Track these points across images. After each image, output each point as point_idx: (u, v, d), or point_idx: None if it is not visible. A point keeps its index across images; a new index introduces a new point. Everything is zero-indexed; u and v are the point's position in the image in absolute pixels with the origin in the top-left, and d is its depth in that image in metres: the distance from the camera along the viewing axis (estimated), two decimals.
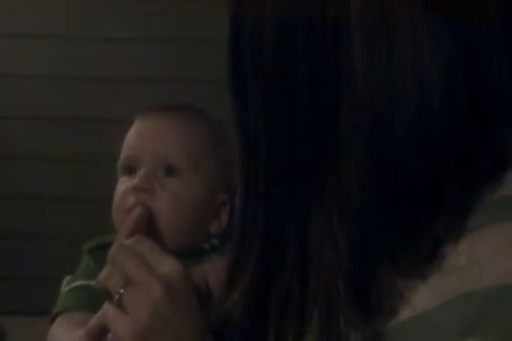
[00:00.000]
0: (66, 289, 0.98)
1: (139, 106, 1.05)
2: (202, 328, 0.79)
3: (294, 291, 0.60)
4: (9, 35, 2.67)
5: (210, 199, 1.00)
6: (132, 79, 2.69)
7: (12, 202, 2.67)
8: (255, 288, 0.62)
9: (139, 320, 0.76)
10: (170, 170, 0.98)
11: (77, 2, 2.67)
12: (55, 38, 2.68)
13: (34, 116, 2.67)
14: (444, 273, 0.56)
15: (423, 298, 0.56)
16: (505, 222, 0.55)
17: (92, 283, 0.97)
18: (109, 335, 0.80)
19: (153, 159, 0.98)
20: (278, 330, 0.61)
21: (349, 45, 0.55)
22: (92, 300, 0.95)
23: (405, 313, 0.56)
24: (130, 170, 0.99)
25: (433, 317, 0.55)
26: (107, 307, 0.79)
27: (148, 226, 0.93)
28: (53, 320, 0.98)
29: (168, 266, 0.80)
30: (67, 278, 1.00)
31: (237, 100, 0.61)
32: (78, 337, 0.88)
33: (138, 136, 1.01)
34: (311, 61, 0.57)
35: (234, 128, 0.63)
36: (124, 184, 0.99)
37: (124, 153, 1.01)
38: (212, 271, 0.86)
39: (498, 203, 0.57)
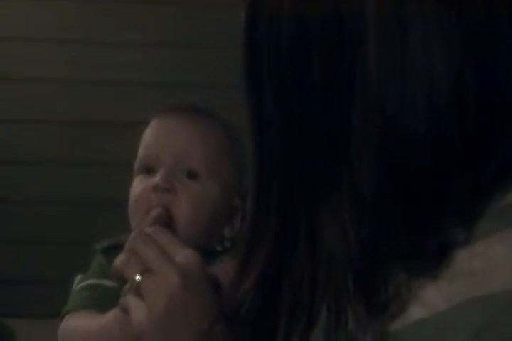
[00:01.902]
0: (78, 287, 0.99)
1: (147, 111, 1.06)
2: (215, 316, 0.80)
3: (305, 283, 0.60)
4: (19, 38, 2.68)
5: (225, 204, 1.01)
6: (140, 84, 2.69)
7: (21, 208, 2.69)
8: (267, 277, 0.63)
9: (155, 307, 0.78)
10: (190, 173, 0.98)
11: (86, 7, 2.68)
12: (64, 42, 2.68)
13: (43, 120, 2.68)
14: (455, 277, 0.56)
15: (433, 299, 0.56)
16: None
17: (104, 282, 0.98)
18: None
19: (174, 160, 0.98)
20: (288, 320, 0.62)
21: (363, 46, 0.56)
22: (103, 299, 0.95)
23: (414, 312, 0.57)
24: (148, 169, 0.99)
25: (443, 320, 0.55)
26: (127, 293, 0.81)
27: (166, 226, 0.93)
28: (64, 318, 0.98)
29: (184, 255, 0.82)
30: (79, 276, 1.01)
31: (252, 96, 0.62)
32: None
33: (158, 136, 1.01)
34: (326, 60, 0.57)
35: (245, 126, 0.63)
36: (141, 183, 0.99)
37: (142, 152, 1.01)
38: (223, 270, 0.87)
39: (507, 209, 0.57)
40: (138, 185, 0.99)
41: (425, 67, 0.55)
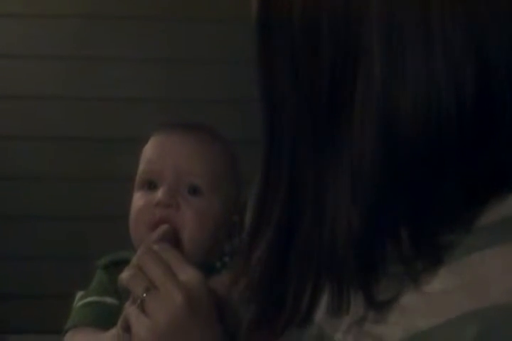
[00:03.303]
0: (79, 304, 0.99)
1: (145, 127, 1.06)
2: (219, 335, 0.81)
3: (312, 251, 0.62)
4: (18, 56, 2.69)
5: (226, 220, 1.02)
6: (137, 100, 2.71)
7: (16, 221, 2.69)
8: (277, 245, 0.64)
9: (158, 325, 0.79)
10: (193, 189, 0.99)
11: (84, 23, 2.70)
12: (62, 59, 2.70)
13: (42, 137, 2.69)
14: (449, 291, 0.57)
15: (431, 310, 0.57)
16: (508, 243, 0.57)
17: (105, 299, 0.98)
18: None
19: (177, 176, 0.98)
20: (297, 288, 0.64)
21: (368, 38, 0.58)
22: (104, 316, 0.96)
23: (414, 323, 0.58)
24: (150, 184, 1.00)
25: (438, 334, 0.56)
26: (130, 308, 0.82)
27: (173, 243, 0.93)
28: (65, 335, 0.99)
29: (190, 274, 0.83)
30: (80, 293, 1.01)
31: (264, 75, 0.65)
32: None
33: (160, 152, 1.01)
34: (334, 50, 0.60)
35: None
36: (143, 197, 0.99)
37: (144, 167, 1.01)
38: (221, 284, 0.88)
39: (501, 223, 0.58)
40: (139, 200, 0.99)
41: (425, 66, 0.57)
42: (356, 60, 0.59)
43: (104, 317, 0.96)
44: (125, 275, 0.84)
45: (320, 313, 0.68)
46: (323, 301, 0.66)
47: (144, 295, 0.81)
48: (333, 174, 0.61)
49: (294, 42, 0.61)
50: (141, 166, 1.02)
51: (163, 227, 0.95)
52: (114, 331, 0.89)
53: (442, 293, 0.57)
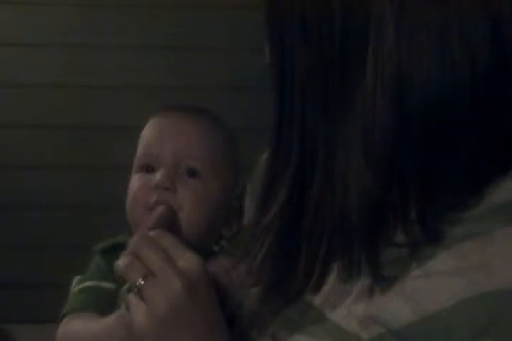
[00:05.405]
0: (76, 289, 0.98)
1: (145, 114, 1.06)
2: (220, 322, 0.80)
3: (324, 212, 0.63)
4: (15, 43, 2.69)
5: (225, 203, 1.01)
6: (137, 87, 2.70)
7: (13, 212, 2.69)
8: (290, 206, 0.65)
9: (157, 312, 0.77)
10: (191, 171, 0.98)
11: (81, 10, 2.68)
12: (59, 47, 2.69)
13: (39, 125, 2.69)
14: (456, 274, 0.57)
15: (441, 293, 0.57)
16: None
17: (103, 284, 0.98)
18: None
19: (175, 159, 0.98)
20: (309, 254, 0.65)
21: (381, 7, 0.58)
22: (102, 301, 0.95)
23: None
24: (148, 167, 0.99)
25: (445, 319, 0.56)
26: (129, 296, 0.80)
27: (169, 225, 0.93)
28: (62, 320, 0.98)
29: (188, 261, 0.81)
30: (78, 277, 1.00)
31: (275, 31, 0.65)
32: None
33: (158, 135, 1.01)
34: (345, 10, 0.60)
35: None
36: (141, 180, 0.99)
37: (142, 150, 1.01)
38: (219, 268, 0.87)
39: (506, 206, 0.58)
40: (137, 182, 0.99)
41: (438, 30, 0.57)
42: (368, 22, 0.58)
43: (102, 302, 0.95)
44: (121, 263, 0.81)
45: (319, 298, 0.67)
46: (326, 285, 0.66)
47: (142, 282, 0.79)
48: (344, 141, 0.61)
49: (304, 4, 0.61)
50: (140, 149, 1.02)
51: (161, 209, 0.94)
52: (112, 317, 0.88)
53: (449, 276, 0.57)
